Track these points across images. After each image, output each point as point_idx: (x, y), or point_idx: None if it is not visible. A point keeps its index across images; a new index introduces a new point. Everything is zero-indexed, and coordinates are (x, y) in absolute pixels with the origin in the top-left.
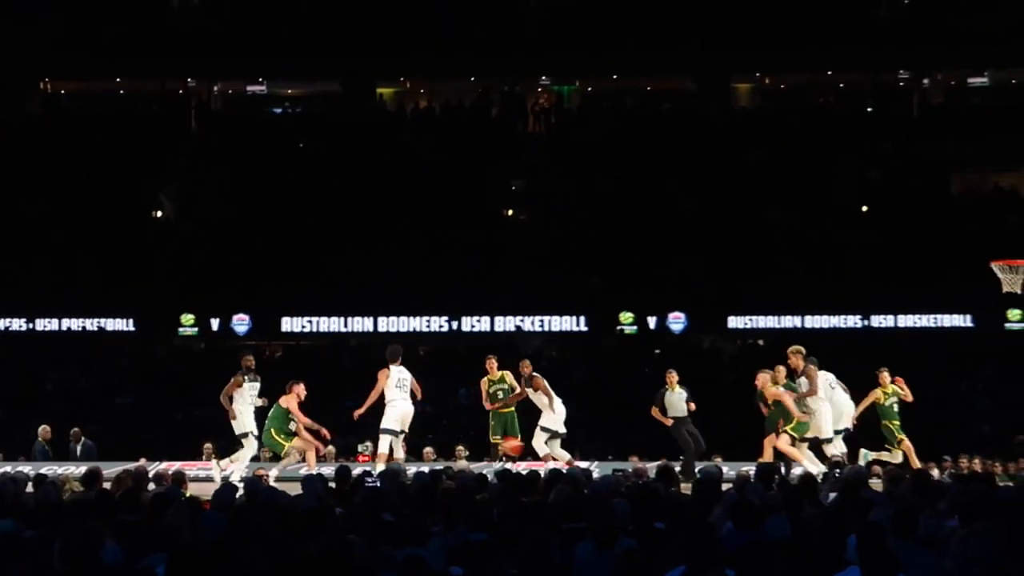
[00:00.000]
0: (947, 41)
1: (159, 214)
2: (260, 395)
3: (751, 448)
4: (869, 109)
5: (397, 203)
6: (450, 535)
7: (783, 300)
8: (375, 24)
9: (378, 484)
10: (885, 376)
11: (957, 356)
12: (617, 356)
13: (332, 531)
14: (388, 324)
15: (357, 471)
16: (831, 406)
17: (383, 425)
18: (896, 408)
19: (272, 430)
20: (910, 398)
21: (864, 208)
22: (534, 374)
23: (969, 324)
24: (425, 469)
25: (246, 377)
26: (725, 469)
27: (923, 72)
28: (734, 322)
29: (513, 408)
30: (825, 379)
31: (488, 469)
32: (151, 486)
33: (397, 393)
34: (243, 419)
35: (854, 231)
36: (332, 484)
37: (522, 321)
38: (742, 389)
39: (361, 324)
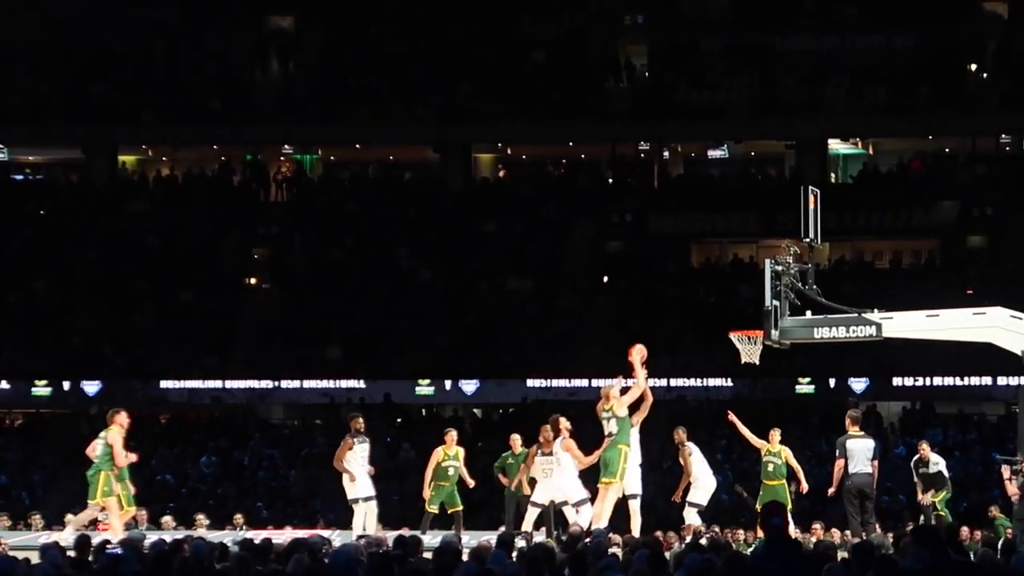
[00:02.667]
0: (686, 114)
1: None
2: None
3: (493, 515)
4: (609, 180)
5: (132, 269)
6: None
7: (524, 367)
8: (115, 93)
9: (119, 552)
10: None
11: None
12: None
13: None
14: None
15: (97, 539)
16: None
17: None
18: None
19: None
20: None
21: (605, 279)
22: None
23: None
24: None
25: (355, 440)
26: (466, 539)
27: (662, 144)
28: (461, 390)
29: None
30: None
31: (229, 538)
32: None
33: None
34: (358, 483)
35: (592, 300)
36: (71, 553)
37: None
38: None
39: (96, 388)
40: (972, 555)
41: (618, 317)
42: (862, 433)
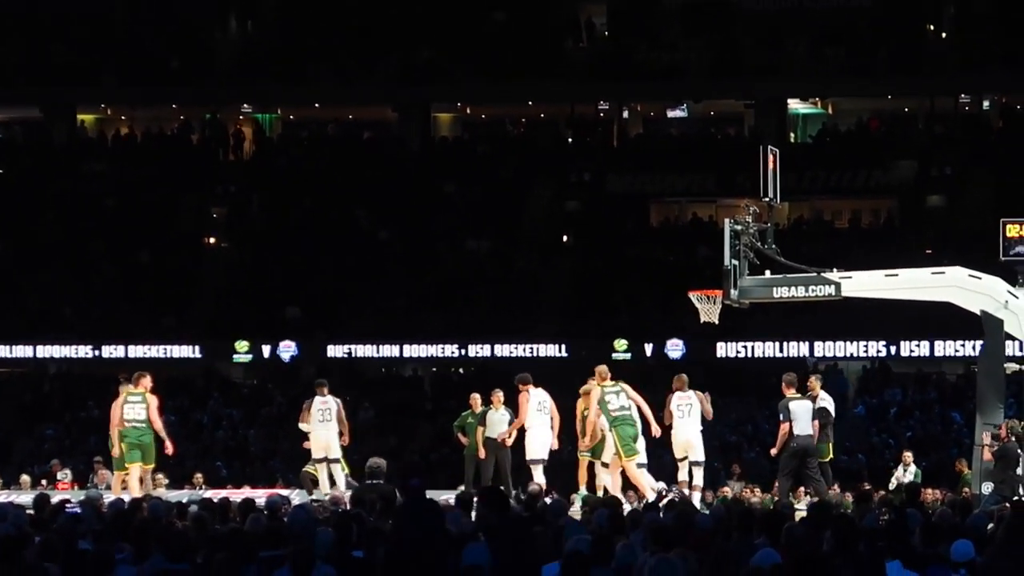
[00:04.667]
0: (645, 74)
1: None
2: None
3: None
4: (569, 140)
5: (91, 228)
6: (144, 564)
7: (483, 327)
8: (74, 52)
9: (78, 511)
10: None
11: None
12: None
13: (28, 559)
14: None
15: (56, 499)
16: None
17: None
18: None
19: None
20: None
21: (564, 238)
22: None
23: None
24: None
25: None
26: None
27: (621, 104)
28: (421, 351)
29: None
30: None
31: (189, 497)
32: None
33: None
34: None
35: (551, 261)
36: (30, 512)
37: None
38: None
39: (57, 351)
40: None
41: (577, 277)
42: (799, 395)
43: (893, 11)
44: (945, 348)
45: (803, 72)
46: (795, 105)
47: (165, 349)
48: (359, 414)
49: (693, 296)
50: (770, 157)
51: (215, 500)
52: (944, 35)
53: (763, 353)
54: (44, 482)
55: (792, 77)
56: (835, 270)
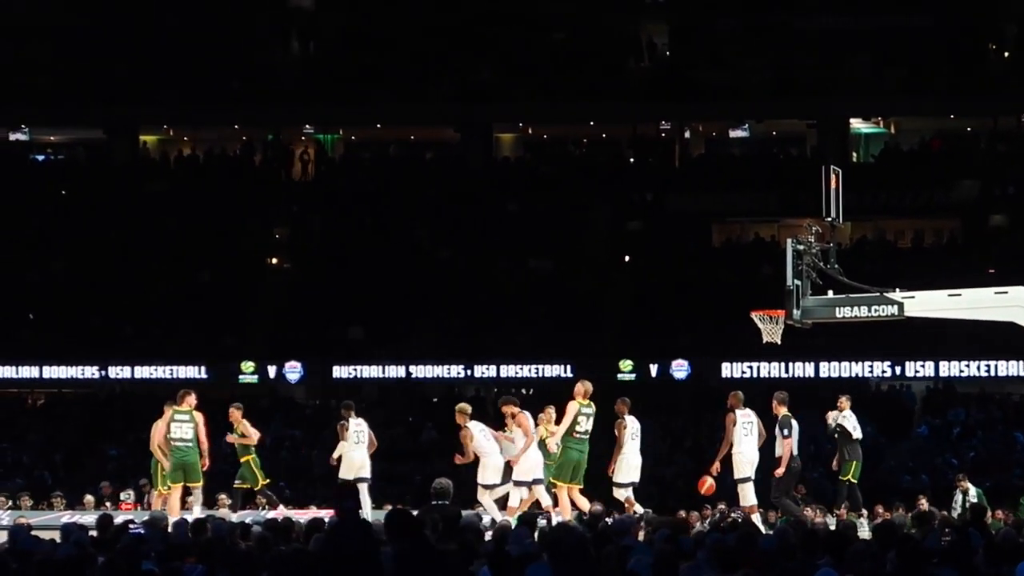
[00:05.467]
0: (706, 93)
1: None
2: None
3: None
4: (630, 160)
5: (152, 249)
6: None
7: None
8: (137, 72)
9: (142, 531)
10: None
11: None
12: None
13: None
14: (146, 372)
15: (119, 519)
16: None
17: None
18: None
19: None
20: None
21: (625, 258)
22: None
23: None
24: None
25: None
26: (487, 518)
27: (683, 124)
28: (482, 371)
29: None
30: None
31: (251, 518)
32: None
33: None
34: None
35: (612, 280)
36: (93, 532)
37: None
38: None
39: (122, 371)
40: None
41: (638, 297)
42: (790, 414)
43: (954, 30)
44: (1009, 368)
45: (865, 91)
46: (857, 125)
47: (224, 369)
48: (422, 434)
49: (756, 316)
50: (832, 177)
51: (279, 520)
52: (1006, 54)
53: (828, 373)
54: (108, 503)
55: (853, 96)
56: (898, 290)
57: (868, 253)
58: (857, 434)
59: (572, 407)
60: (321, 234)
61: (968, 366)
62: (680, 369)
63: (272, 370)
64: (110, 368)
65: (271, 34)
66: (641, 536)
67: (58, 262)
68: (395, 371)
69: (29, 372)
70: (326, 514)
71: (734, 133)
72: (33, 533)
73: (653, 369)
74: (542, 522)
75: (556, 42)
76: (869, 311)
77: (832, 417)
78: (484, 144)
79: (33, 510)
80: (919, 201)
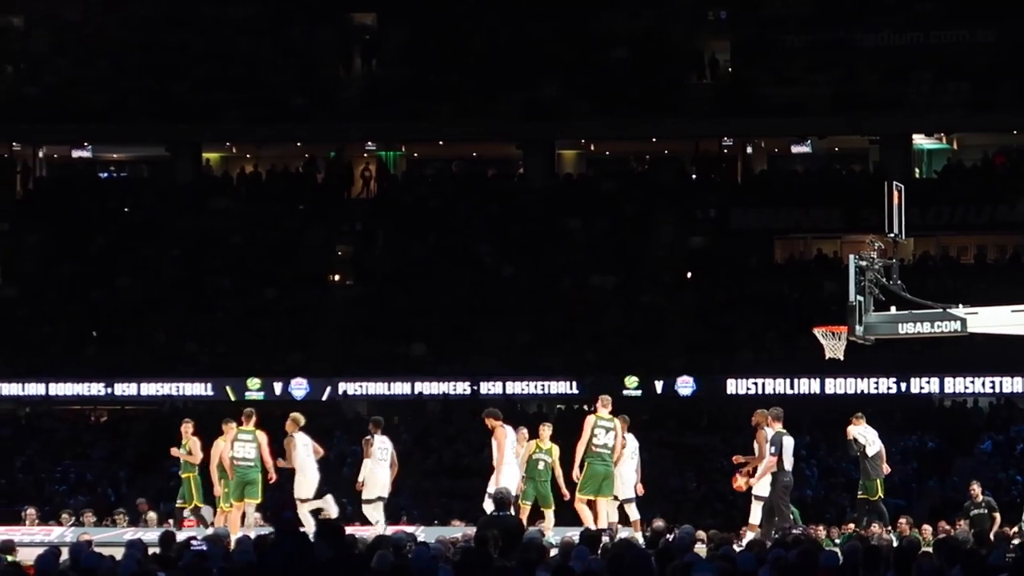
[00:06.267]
0: (769, 110)
1: None
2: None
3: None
4: (692, 176)
5: (216, 265)
6: None
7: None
8: (199, 90)
9: (204, 548)
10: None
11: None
12: (444, 420)
13: None
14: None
15: (182, 536)
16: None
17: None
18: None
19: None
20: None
21: (688, 274)
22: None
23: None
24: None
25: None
26: (550, 535)
27: (746, 140)
28: (545, 387)
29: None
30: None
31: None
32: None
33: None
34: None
35: (675, 296)
36: (155, 550)
37: (347, 386)
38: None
39: (189, 389)
40: None
41: (700, 313)
42: (785, 431)
43: (1017, 45)
44: None
45: (927, 107)
46: (919, 141)
47: (285, 385)
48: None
49: (818, 332)
50: (895, 193)
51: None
52: None
53: (885, 389)
54: (171, 520)
55: (916, 113)
56: (960, 306)
57: (931, 269)
58: (872, 450)
59: (589, 421)
60: (383, 251)
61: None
62: (685, 386)
63: (278, 387)
64: (173, 384)
65: (334, 51)
66: (703, 552)
67: (122, 279)
68: (460, 387)
69: (94, 389)
70: (390, 530)
71: (796, 149)
72: (96, 550)
73: (711, 385)
74: (604, 539)
75: (619, 59)
76: (932, 327)
77: (852, 434)
78: (546, 161)
79: (96, 527)
80: (982, 217)
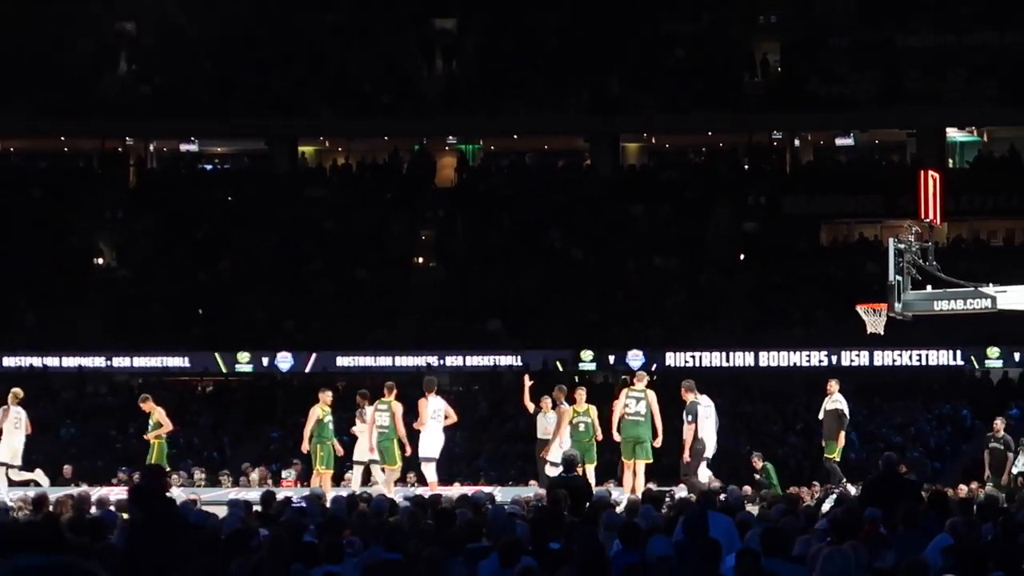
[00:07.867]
0: (816, 105)
1: (100, 261)
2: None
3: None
4: (746, 166)
5: (311, 249)
6: (364, 554)
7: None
8: (295, 88)
9: (304, 506)
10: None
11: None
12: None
13: (255, 551)
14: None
15: (281, 495)
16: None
17: (424, 454)
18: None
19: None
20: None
21: (742, 256)
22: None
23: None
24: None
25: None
26: (616, 494)
27: (794, 133)
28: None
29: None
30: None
31: (403, 494)
32: (93, 510)
33: (432, 422)
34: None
35: (731, 277)
36: (257, 508)
37: (429, 359)
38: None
39: (285, 361)
40: None
41: (754, 292)
42: (700, 400)
43: None
44: None
45: (961, 103)
46: (953, 133)
47: (374, 359)
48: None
49: (861, 309)
50: (931, 181)
51: (426, 497)
52: None
53: (926, 361)
54: (270, 481)
55: (951, 108)
56: (991, 285)
57: (964, 251)
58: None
59: (623, 393)
60: (463, 236)
61: None
62: (636, 359)
63: (265, 360)
64: (273, 357)
65: (417, 53)
66: (756, 511)
67: (225, 262)
68: (533, 359)
69: (200, 362)
70: (468, 490)
71: (840, 141)
72: (203, 508)
73: (765, 358)
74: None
75: (678, 58)
76: (964, 304)
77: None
78: (612, 152)
79: (206, 485)
80: (1011, 203)
